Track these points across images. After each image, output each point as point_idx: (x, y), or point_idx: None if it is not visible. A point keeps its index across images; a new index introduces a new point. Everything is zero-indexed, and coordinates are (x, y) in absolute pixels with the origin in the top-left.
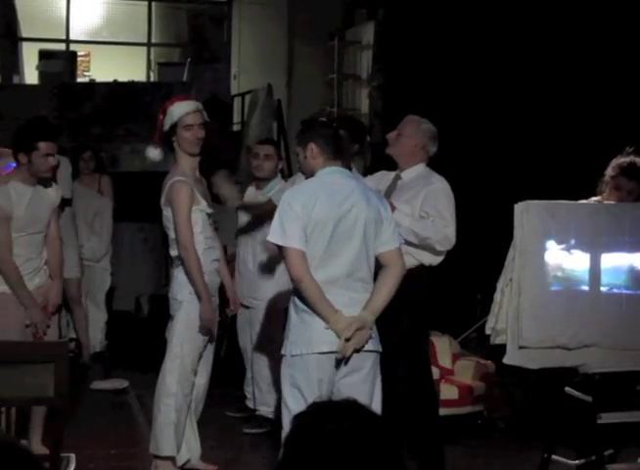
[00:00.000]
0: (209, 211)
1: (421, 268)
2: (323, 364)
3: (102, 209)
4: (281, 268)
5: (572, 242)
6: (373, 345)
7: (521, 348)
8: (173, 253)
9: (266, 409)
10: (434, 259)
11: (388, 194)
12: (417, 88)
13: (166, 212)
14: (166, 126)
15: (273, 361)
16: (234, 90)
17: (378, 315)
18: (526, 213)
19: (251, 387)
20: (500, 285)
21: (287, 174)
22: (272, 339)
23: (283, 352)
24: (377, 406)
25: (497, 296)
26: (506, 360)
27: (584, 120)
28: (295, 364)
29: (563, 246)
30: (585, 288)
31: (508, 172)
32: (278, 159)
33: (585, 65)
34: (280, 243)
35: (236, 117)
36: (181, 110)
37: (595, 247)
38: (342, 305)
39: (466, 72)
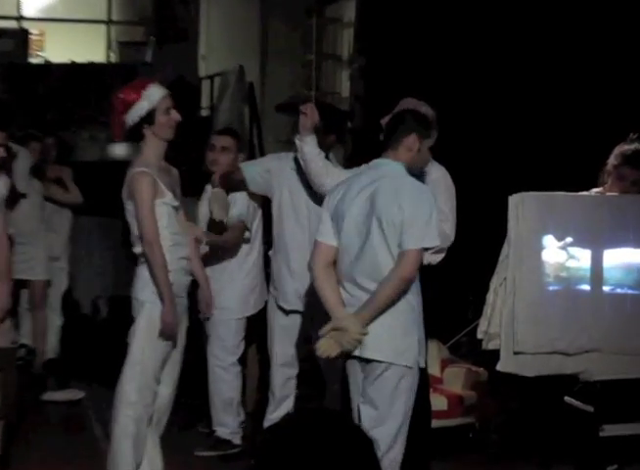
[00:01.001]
0: (176, 203)
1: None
2: (347, 367)
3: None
4: (243, 273)
5: (572, 237)
6: (369, 352)
7: (516, 353)
8: (137, 250)
9: (224, 431)
10: (432, 258)
11: None
12: (402, 70)
13: (129, 207)
14: (142, 113)
15: (230, 377)
16: (202, 72)
17: (367, 321)
18: (522, 206)
19: None
20: (493, 285)
21: None
22: (229, 351)
23: None
24: (394, 422)
25: (490, 296)
26: (500, 367)
27: (583, 105)
28: None
29: (562, 242)
30: (586, 288)
31: (502, 162)
32: (237, 152)
33: (585, 50)
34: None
35: (204, 102)
36: (159, 93)
37: (597, 243)
38: (346, 303)
39: (455, 54)
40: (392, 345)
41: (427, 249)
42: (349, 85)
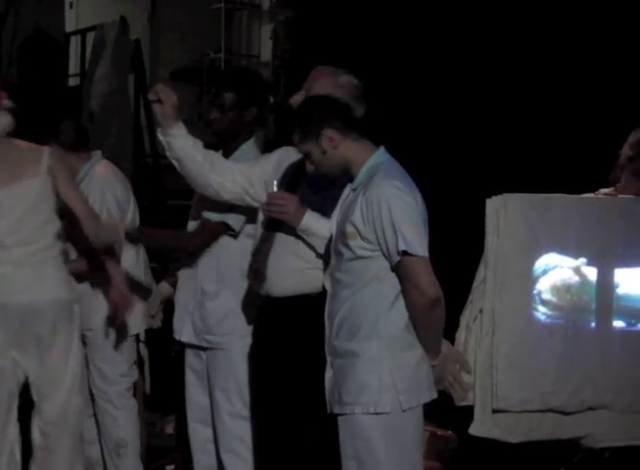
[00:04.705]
0: None
1: None
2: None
3: None
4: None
5: (573, 254)
6: None
7: (495, 412)
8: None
9: None
10: None
11: (294, 185)
12: (343, 26)
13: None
14: None
15: (121, 410)
16: (70, 25)
17: None
18: (504, 213)
19: (97, 445)
20: (465, 320)
21: (148, 153)
22: (115, 380)
23: (380, 408)
24: None
25: (461, 335)
26: (474, 431)
27: (585, 86)
28: (405, 421)
29: (558, 260)
30: (591, 322)
31: (478, 154)
32: None
33: (576, 33)
34: (420, 253)
35: (73, 66)
36: None
37: (606, 261)
38: None
39: (419, 7)
40: None
41: None
42: (272, 46)
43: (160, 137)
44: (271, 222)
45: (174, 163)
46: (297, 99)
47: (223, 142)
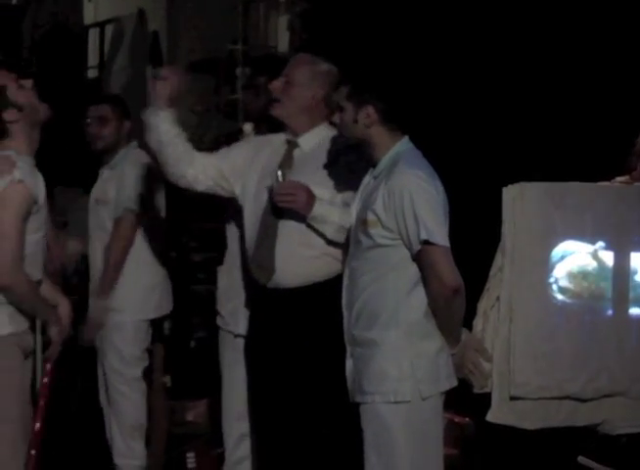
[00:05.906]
0: None
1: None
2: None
3: None
4: (141, 267)
5: (588, 242)
6: None
7: (512, 399)
8: None
9: (131, 463)
10: None
11: (283, 171)
12: (357, 18)
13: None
14: None
15: (136, 393)
16: (89, 18)
17: None
18: (521, 201)
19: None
20: (482, 307)
21: None
22: (128, 363)
23: (400, 397)
24: None
25: (478, 322)
26: (491, 418)
27: (601, 75)
28: (425, 409)
29: (574, 248)
30: (608, 309)
31: (495, 144)
32: (119, 121)
33: (593, 19)
34: (441, 242)
35: (92, 59)
36: None
37: (622, 249)
38: None
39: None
40: None
41: None
42: (288, 37)
43: (148, 117)
44: (274, 212)
45: (154, 146)
46: (276, 85)
47: (257, 124)
